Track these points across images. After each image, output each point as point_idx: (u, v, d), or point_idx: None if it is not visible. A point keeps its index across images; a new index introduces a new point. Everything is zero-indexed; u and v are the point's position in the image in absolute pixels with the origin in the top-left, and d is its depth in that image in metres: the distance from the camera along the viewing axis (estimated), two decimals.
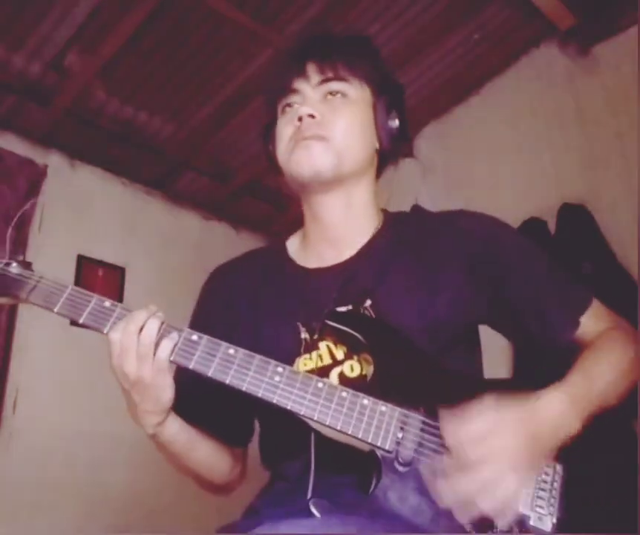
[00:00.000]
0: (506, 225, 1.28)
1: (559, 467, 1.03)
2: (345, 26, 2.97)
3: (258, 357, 1.07)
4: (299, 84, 1.25)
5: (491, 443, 0.95)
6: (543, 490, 1.01)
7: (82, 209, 3.50)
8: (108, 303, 1.11)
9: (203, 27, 2.96)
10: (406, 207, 1.34)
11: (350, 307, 1.18)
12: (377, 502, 1.02)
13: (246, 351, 1.08)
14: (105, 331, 1.09)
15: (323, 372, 1.14)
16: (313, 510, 1.03)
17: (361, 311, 1.18)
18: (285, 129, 1.25)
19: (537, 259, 1.23)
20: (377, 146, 1.27)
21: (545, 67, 3.16)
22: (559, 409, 1.02)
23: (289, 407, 1.04)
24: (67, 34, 2.92)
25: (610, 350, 1.13)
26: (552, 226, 2.93)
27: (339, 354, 1.16)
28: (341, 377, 1.15)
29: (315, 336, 1.17)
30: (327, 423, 1.04)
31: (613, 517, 1.04)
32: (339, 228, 1.26)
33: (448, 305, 1.16)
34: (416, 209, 1.32)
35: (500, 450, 0.95)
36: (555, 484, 1.02)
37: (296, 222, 1.38)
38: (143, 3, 2.74)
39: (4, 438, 3.05)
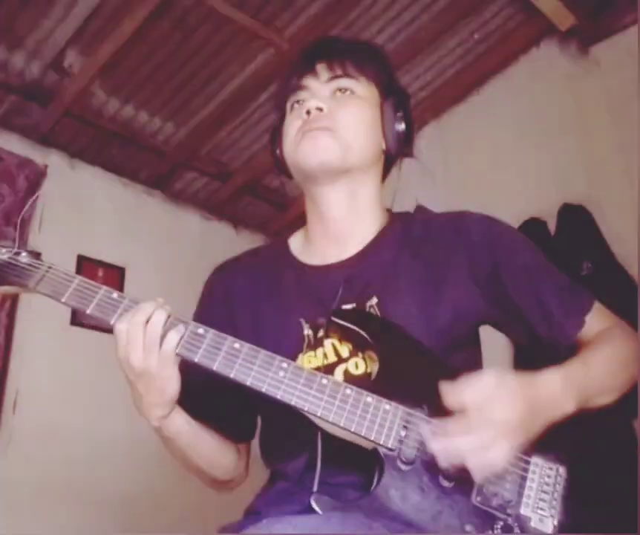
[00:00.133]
0: (509, 226, 1.28)
1: (562, 469, 1.03)
2: (345, 26, 2.97)
3: (263, 351, 1.08)
4: (308, 81, 1.27)
5: (490, 410, 0.96)
6: (545, 492, 1.02)
7: (82, 209, 3.50)
8: (115, 294, 1.11)
9: (203, 27, 2.97)
10: (406, 207, 1.34)
11: (354, 305, 1.19)
12: (379, 500, 1.02)
13: (252, 346, 1.08)
14: (111, 322, 1.09)
15: (328, 370, 1.14)
16: (315, 507, 1.03)
17: (367, 309, 1.18)
18: (293, 124, 1.26)
19: (539, 261, 1.24)
20: (383, 146, 1.28)
21: (545, 67, 3.16)
22: (556, 387, 1.04)
23: (293, 403, 1.05)
24: (67, 34, 2.93)
25: (609, 342, 1.15)
26: (552, 226, 2.93)
27: (344, 351, 1.17)
28: (346, 374, 1.15)
29: (319, 333, 1.18)
30: (331, 420, 1.04)
31: (613, 517, 1.04)
32: (343, 224, 1.26)
33: (452, 306, 1.17)
34: (421, 209, 1.33)
35: (498, 416, 0.96)
36: (558, 487, 1.02)
37: (296, 222, 1.39)
38: (143, 3, 2.74)
39: (4, 438, 3.05)
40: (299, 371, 1.07)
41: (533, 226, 2.91)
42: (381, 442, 1.03)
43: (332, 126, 1.21)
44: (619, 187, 2.74)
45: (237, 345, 1.08)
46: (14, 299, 2.96)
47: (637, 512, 1.00)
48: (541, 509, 1.01)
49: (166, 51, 3.06)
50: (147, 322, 1.06)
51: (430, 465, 1.02)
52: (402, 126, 1.28)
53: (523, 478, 1.03)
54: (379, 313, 1.17)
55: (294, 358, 1.16)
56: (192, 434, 1.19)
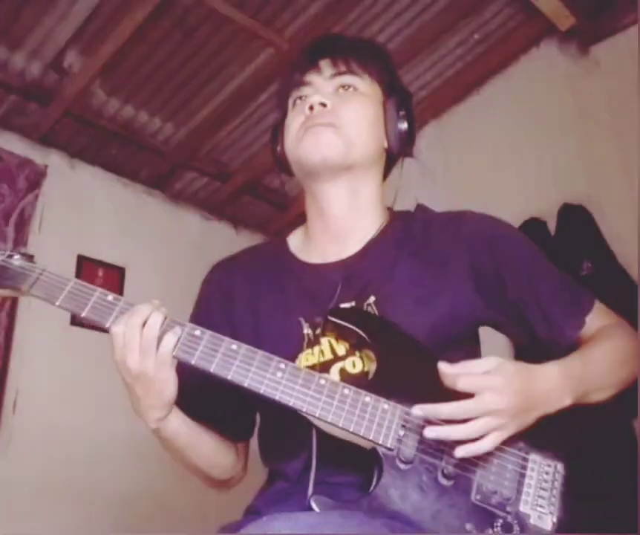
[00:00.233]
0: (510, 226, 1.28)
1: (560, 466, 1.03)
2: (345, 26, 2.98)
3: (260, 352, 1.07)
4: (312, 77, 1.27)
5: (486, 395, 0.97)
6: (544, 489, 1.02)
7: (82, 209, 3.50)
8: (110, 297, 1.11)
9: (203, 27, 2.97)
10: (406, 207, 1.34)
11: (352, 303, 1.18)
12: (378, 500, 1.02)
13: (249, 347, 1.08)
14: (107, 325, 1.08)
15: (324, 367, 1.14)
16: (314, 506, 1.02)
17: (365, 308, 1.17)
18: (295, 119, 1.26)
19: (540, 261, 1.24)
20: (385, 144, 1.28)
21: (545, 67, 3.16)
22: (553, 380, 1.04)
23: (291, 404, 1.04)
24: (67, 34, 2.93)
25: (609, 339, 1.15)
26: (552, 226, 2.93)
27: (341, 349, 1.16)
28: (343, 373, 1.15)
29: (317, 332, 1.17)
30: (329, 421, 1.04)
31: (613, 517, 1.04)
32: (344, 222, 1.26)
33: (451, 305, 1.17)
34: (421, 208, 1.32)
35: (492, 405, 0.97)
36: (556, 484, 1.02)
37: (296, 222, 1.38)
38: (143, 3, 2.74)
39: (4, 438, 3.05)
40: (297, 371, 1.06)
41: (533, 226, 2.91)
42: (380, 441, 1.03)
43: (336, 122, 1.21)
44: (619, 187, 2.73)
45: (234, 347, 1.07)
46: (14, 299, 2.96)
47: (636, 511, 1.00)
48: (540, 506, 1.01)
49: (166, 51, 3.06)
50: (143, 324, 1.06)
51: (429, 464, 1.02)
52: (404, 125, 1.27)
53: (522, 476, 1.03)
54: (376, 312, 1.17)
55: (294, 357, 1.16)
56: (190, 435, 1.19)
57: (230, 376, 1.06)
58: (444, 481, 1.02)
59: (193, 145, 3.62)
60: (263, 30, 2.99)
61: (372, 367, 1.12)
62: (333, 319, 1.14)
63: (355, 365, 1.15)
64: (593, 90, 2.96)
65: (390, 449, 1.03)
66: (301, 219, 1.36)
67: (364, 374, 1.13)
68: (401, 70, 3.07)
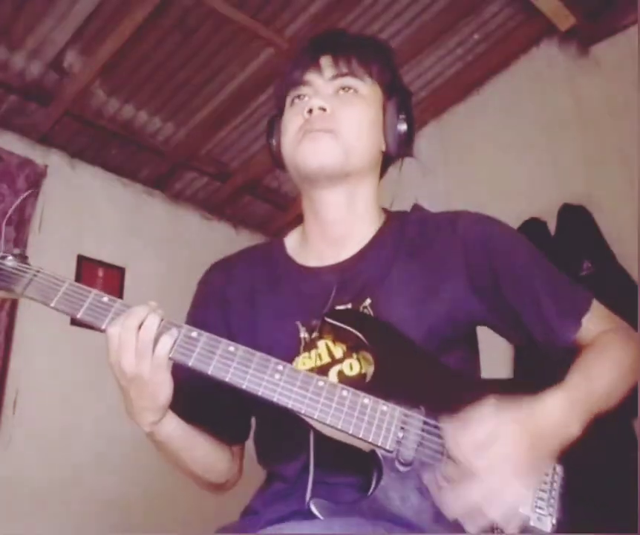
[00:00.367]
0: (507, 226, 1.26)
1: (559, 468, 1.03)
2: (345, 26, 2.97)
3: (258, 354, 1.06)
4: (312, 76, 1.24)
5: (494, 450, 0.94)
6: (542, 490, 1.01)
7: (82, 209, 3.50)
8: (106, 298, 1.09)
9: (203, 27, 2.97)
10: (406, 207, 1.33)
11: (349, 306, 1.17)
12: (378, 502, 1.01)
13: (247, 349, 1.06)
14: (103, 327, 1.07)
15: (322, 371, 1.13)
16: (314, 510, 1.02)
17: (361, 310, 1.16)
18: (293, 120, 1.23)
19: (537, 261, 1.22)
20: (383, 147, 1.26)
21: (545, 67, 3.16)
22: (559, 412, 1.01)
23: (289, 406, 1.03)
24: (67, 34, 2.93)
25: (610, 351, 1.12)
26: (552, 226, 2.93)
27: (338, 352, 1.15)
28: (340, 375, 1.14)
29: (314, 335, 1.16)
30: (328, 423, 1.03)
31: (613, 517, 1.04)
32: (340, 226, 1.24)
33: (447, 307, 1.15)
34: (417, 208, 1.31)
35: (503, 457, 0.94)
36: (555, 485, 1.02)
37: (296, 222, 1.37)
38: (143, 3, 2.74)
39: (4, 438, 3.05)
40: (295, 373, 1.05)
41: (533, 226, 2.91)
42: (379, 443, 1.02)
43: (335, 128, 1.19)
44: (619, 187, 2.73)
45: (231, 348, 1.06)
46: (14, 299, 2.96)
47: (636, 512, 1.00)
48: (539, 508, 1.00)
49: (166, 51, 3.06)
50: (140, 326, 1.04)
51: (428, 466, 1.02)
52: (403, 127, 1.25)
53: None
54: (373, 314, 1.16)
55: (291, 361, 1.15)
56: (185, 438, 1.17)
57: (228, 378, 1.04)
58: (444, 484, 1.01)
59: (193, 145, 3.61)
60: (263, 30, 2.99)
61: (369, 369, 1.11)
62: (330, 321, 1.13)
63: (352, 367, 1.14)
64: (593, 90, 2.96)
65: (389, 451, 1.02)
66: (300, 219, 1.35)
67: (361, 376, 1.12)
68: (401, 70, 3.07)
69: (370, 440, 1.02)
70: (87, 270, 3.41)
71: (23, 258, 1.15)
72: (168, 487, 2.88)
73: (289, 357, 1.14)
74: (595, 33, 3.03)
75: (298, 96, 1.25)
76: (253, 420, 1.31)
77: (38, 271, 1.13)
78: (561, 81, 3.09)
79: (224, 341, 1.07)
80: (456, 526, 0.99)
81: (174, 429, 1.15)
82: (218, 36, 3.01)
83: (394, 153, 1.27)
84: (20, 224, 3.20)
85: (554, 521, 1.00)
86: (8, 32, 2.90)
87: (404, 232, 1.25)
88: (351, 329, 1.12)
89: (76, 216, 3.46)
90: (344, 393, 1.04)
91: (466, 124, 3.41)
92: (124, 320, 1.05)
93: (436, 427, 1.03)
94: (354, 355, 1.15)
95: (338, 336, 1.15)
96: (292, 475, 1.14)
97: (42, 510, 3.00)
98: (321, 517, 1.01)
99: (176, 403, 1.11)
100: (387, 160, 1.31)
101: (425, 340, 1.12)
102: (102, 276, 3.47)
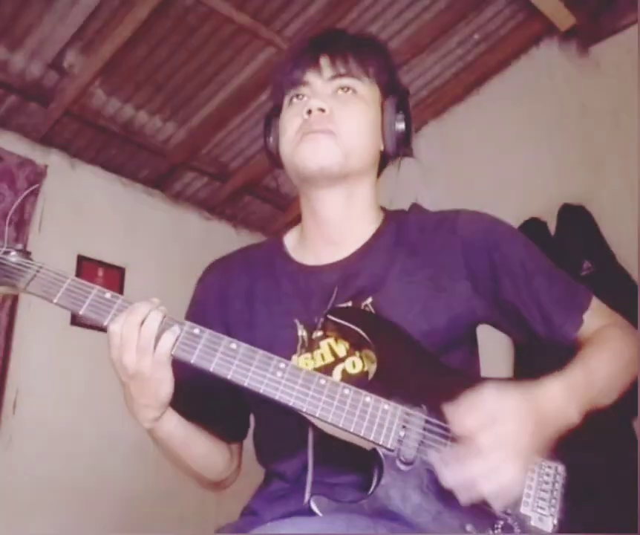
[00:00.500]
0: (506, 224, 1.27)
1: (560, 468, 1.03)
2: (345, 26, 2.97)
3: (260, 352, 1.06)
4: (310, 76, 1.24)
5: (497, 429, 0.94)
6: (544, 490, 1.01)
7: (82, 209, 3.50)
8: (108, 295, 1.09)
9: (203, 27, 2.97)
10: (405, 207, 1.33)
11: (349, 305, 1.17)
12: (379, 501, 1.01)
13: (248, 346, 1.06)
14: (105, 323, 1.06)
15: (326, 371, 1.13)
16: (314, 507, 1.01)
17: (362, 308, 1.17)
18: (292, 121, 1.23)
19: (536, 258, 1.22)
20: (382, 147, 1.26)
21: (545, 67, 3.16)
22: (558, 399, 1.01)
23: (291, 404, 1.03)
24: (67, 34, 2.93)
25: (610, 343, 1.13)
26: (552, 226, 2.93)
27: (341, 350, 1.15)
28: (343, 373, 1.14)
29: (314, 334, 1.16)
30: (329, 421, 1.03)
31: (613, 517, 1.04)
32: (339, 226, 1.25)
33: (447, 305, 1.16)
34: (415, 207, 1.31)
35: (504, 437, 0.94)
36: (557, 485, 1.02)
37: (296, 222, 1.37)
38: (143, 3, 2.74)
39: (4, 438, 3.05)
40: (297, 371, 1.05)
41: (533, 226, 2.91)
42: (381, 442, 1.02)
43: (334, 129, 1.19)
44: (619, 187, 2.73)
45: (233, 346, 1.06)
46: (14, 298, 2.96)
47: (637, 512, 1.00)
48: (541, 508, 1.00)
49: (166, 51, 3.06)
50: (142, 323, 1.04)
51: (430, 465, 1.02)
52: (401, 127, 1.25)
53: None
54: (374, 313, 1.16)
55: (288, 359, 1.14)
56: (184, 435, 1.17)
57: (230, 375, 1.05)
58: None
59: (193, 145, 3.62)
60: (263, 30, 2.99)
61: (372, 367, 1.11)
62: (333, 318, 1.13)
63: (355, 365, 1.14)
64: (593, 90, 2.96)
65: (390, 450, 1.02)
66: (300, 219, 1.35)
67: (364, 374, 1.12)
68: (401, 70, 3.08)
69: (371, 438, 1.02)
70: (87, 269, 3.41)
71: (26, 253, 1.15)
72: (168, 486, 2.88)
73: (286, 354, 1.14)
74: (595, 33, 3.03)
75: (297, 96, 1.25)
76: (252, 419, 1.31)
77: (41, 267, 1.13)
78: (561, 81, 3.09)
79: (226, 338, 1.07)
80: (456, 526, 0.99)
81: (175, 426, 1.15)
82: (218, 36, 3.01)
83: (392, 152, 1.27)
84: (20, 223, 3.20)
85: (555, 522, 1.00)
86: (8, 32, 2.90)
87: (403, 232, 1.25)
88: (354, 327, 1.12)
89: (76, 216, 3.46)
90: (346, 391, 1.04)
91: (466, 124, 3.41)
92: (126, 316, 1.05)
93: (437, 426, 1.03)
94: (357, 353, 1.15)
95: (341, 333, 1.15)
96: (291, 474, 1.14)
97: (42, 510, 3.00)
98: (322, 515, 1.01)
99: (176, 400, 1.12)
100: (385, 160, 1.31)
101: (426, 339, 1.12)
102: (102, 275, 3.48)
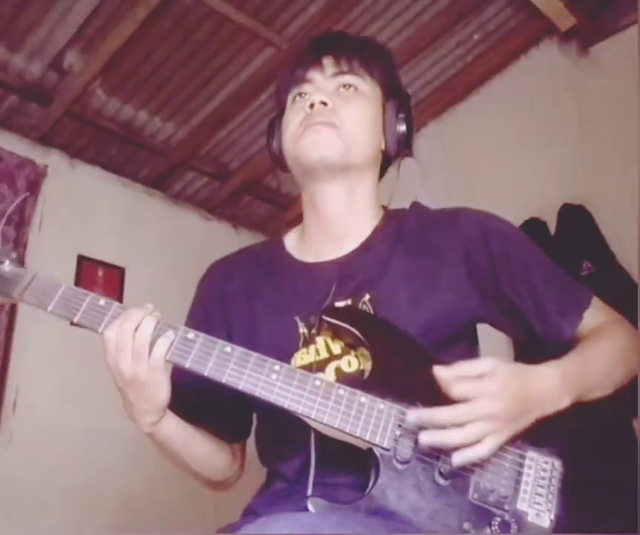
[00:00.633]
0: (506, 222, 1.27)
1: (557, 463, 1.03)
2: (345, 26, 2.98)
3: (254, 355, 1.07)
4: (314, 74, 1.26)
5: (478, 384, 0.97)
6: (541, 486, 1.01)
7: (82, 209, 3.50)
8: (102, 301, 1.10)
9: (203, 27, 2.97)
10: (406, 207, 1.33)
11: (348, 301, 1.18)
12: (376, 500, 1.01)
13: (243, 350, 1.07)
14: (99, 331, 1.08)
15: (320, 367, 1.14)
16: (311, 509, 1.01)
17: (360, 306, 1.17)
18: (295, 116, 1.25)
19: (536, 256, 1.23)
20: (383, 146, 1.28)
21: (545, 67, 3.16)
22: (551, 382, 1.03)
23: (286, 406, 1.04)
24: (67, 34, 2.93)
25: (608, 336, 1.14)
26: (552, 226, 2.93)
27: (336, 348, 1.16)
28: (338, 372, 1.14)
29: (313, 331, 1.17)
30: (325, 421, 1.03)
31: (613, 517, 1.04)
32: (339, 222, 1.26)
33: (446, 303, 1.16)
34: (416, 205, 1.32)
35: (487, 410, 0.96)
36: (554, 481, 1.02)
37: (296, 222, 1.38)
38: (143, 3, 2.74)
39: (4, 438, 3.05)
40: (292, 373, 1.06)
41: (533, 226, 2.91)
42: (377, 442, 1.03)
43: (336, 122, 1.20)
44: (619, 187, 2.73)
45: (228, 349, 1.07)
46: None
47: (636, 512, 1.00)
48: (538, 503, 1.01)
49: (166, 51, 3.06)
50: (136, 329, 1.05)
51: (426, 464, 1.02)
52: (402, 128, 1.27)
53: (519, 473, 1.02)
54: (371, 310, 1.16)
55: (290, 356, 1.16)
56: (185, 438, 1.18)
57: (225, 379, 1.05)
58: (441, 481, 1.01)
59: (193, 145, 3.62)
60: (263, 30, 2.99)
61: (367, 366, 1.11)
62: (328, 319, 1.14)
63: (350, 364, 1.15)
64: (593, 90, 2.96)
65: (386, 450, 1.03)
66: (300, 219, 1.35)
67: (359, 372, 1.13)
68: (401, 70, 3.07)
69: (367, 438, 1.03)
70: (87, 269, 3.41)
71: (20, 262, 1.16)
72: (168, 487, 2.88)
73: (288, 352, 1.16)
74: (595, 33, 3.03)
75: (300, 94, 1.27)
76: (254, 418, 1.31)
77: (35, 276, 1.14)
78: (561, 81, 3.09)
79: (220, 342, 1.08)
80: (453, 525, 0.99)
81: (175, 429, 1.16)
82: (218, 36, 3.02)
83: (393, 152, 1.29)
84: (20, 224, 3.20)
85: (552, 518, 1.00)
86: (8, 32, 2.91)
87: (402, 229, 1.26)
88: (349, 327, 1.13)
89: (76, 216, 3.46)
90: (341, 392, 1.04)
91: (466, 124, 3.41)
92: (120, 323, 1.06)
93: None
94: (352, 352, 1.15)
95: (337, 333, 1.15)
96: (292, 474, 1.15)
97: (42, 510, 3.00)
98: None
99: (176, 403, 1.12)
100: (387, 160, 1.33)
101: (425, 336, 1.13)
102: (101, 275, 3.47)
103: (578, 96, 3.01)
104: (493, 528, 0.99)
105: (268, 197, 4.01)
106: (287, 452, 1.16)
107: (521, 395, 0.99)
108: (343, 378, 1.10)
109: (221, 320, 1.25)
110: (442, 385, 0.98)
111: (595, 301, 1.20)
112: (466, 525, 1.00)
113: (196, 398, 1.20)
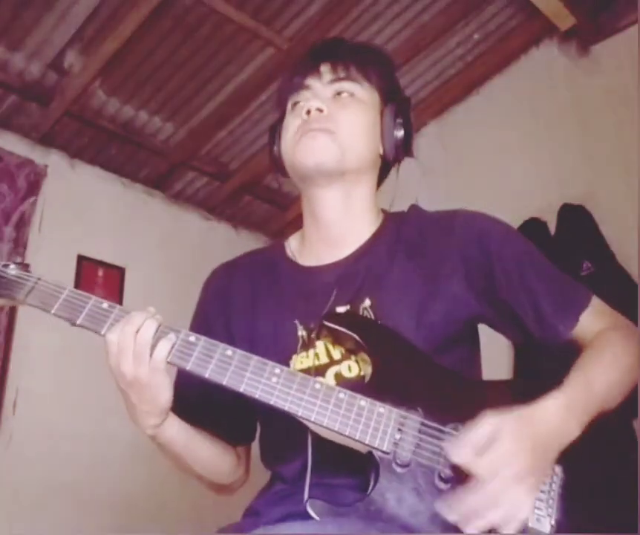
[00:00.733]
0: (503, 223, 1.27)
1: (557, 468, 1.03)
2: (345, 26, 2.98)
3: (255, 358, 1.07)
4: (311, 81, 1.27)
5: (495, 451, 0.94)
6: (542, 491, 1.01)
7: (82, 209, 3.50)
8: (105, 304, 1.11)
9: (203, 27, 2.97)
10: (406, 208, 1.34)
11: (348, 307, 1.18)
12: (375, 504, 1.01)
13: (244, 353, 1.08)
14: (102, 333, 1.09)
15: (319, 371, 1.14)
16: (310, 511, 1.02)
17: (360, 311, 1.17)
18: (293, 123, 1.26)
19: (533, 257, 1.23)
20: (381, 151, 1.28)
21: (545, 67, 3.16)
22: (558, 416, 1.01)
23: (286, 408, 1.04)
24: (67, 34, 2.93)
25: (610, 350, 1.12)
26: (552, 226, 2.93)
27: (336, 353, 1.16)
28: (338, 377, 1.15)
29: (312, 335, 1.17)
30: (325, 424, 1.03)
31: (613, 517, 1.04)
32: (337, 227, 1.26)
33: (446, 305, 1.16)
34: (414, 208, 1.32)
35: (504, 458, 0.94)
36: (554, 485, 1.02)
37: (296, 222, 1.39)
38: (143, 3, 2.74)
39: (4, 438, 3.05)
40: (292, 376, 1.06)
41: (533, 226, 2.91)
42: (376, 445, 1.03)
43: (332, 128, 1.21)
44: (619, 187, 2.73)
45: (229, 352, 1.08)
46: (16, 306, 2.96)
47: (637, 512, 1.00)
48: (538, 509, 1.00)
49: (166, 51, 3.06)
50: (137, 331, 1.06)
51: (426, 468, 1.02)
52: (400, 133, 1.27)
53: None
54: (372, 315, 1.17)
55: (288, 359, 1.17)
56: (188, 440, 1.19)
57: (225, 381, 1.06)
58: (441, 485, 1.01)
59: (193, 145, 3.61)
60: (263, 30, 2.99)
61: (368, 371, 1.11)
62: (329, 324, 1.14)
63: (351, 369, 1.15)
64: (593, 90, 2.96)
65: (386, 453, 1.03)
66: (300, 220, 1.36)
67: (360, 378, 1.13)
68: (401, 70, 3.08)
69: (366, 442, 1.03)
70: (87, 270, 3.41)
71: (25, 266, 1.19)
72: (168, 487, 2.89)
73: (286, 355, 1.16)
74: (595, 33, 3.03)
75: (298, 101, 1.28)
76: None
77: (39, 279, 1.16)
78: (561, 81, 3.09)
79: (222, 345, 1.08)
80: (452, 527, 0.99)
81: (177, 431, 1.16)
82: (218, 36, 3.02)
83: (391, 158, 1.29)
84: (20, 224, 3.20)
85: (552, 523, 1.00)
86: (8, 32, 2.90)
87: (401, 233, 1.26)
88: (350, 332, 1.13)
89: (76, 216, 3.46)
90: (341, 395, 1.05)
91: (466, 124, 3.41)
92: (122, 326, 1.07)
93: (433, 429, 1.03)
94: (352, 357, 1.15)
95: (337, 339, 1.16)
96: (291, 476, 1.15)
97: (42, 510, 3.00)
98: (317, 518, 1.01)
99: (179, 405, 1.13)
100: (386, 165, 1.33)
101: (425, 340, 1.13)
102: (102, 275, 3.47)
103: (578, 96, 3.01)
104: (493, 533, 0.99)
105: (268, 197, 4.01)
106: (287, 454, 1.16)
107: (534, 439, 0.97)
108: (343, 383, 1.10)
109: (224, 326, 1.26)
110: (464, 468, 0.95)
111: (595, 301, 1.19)
112: None
113: (200, 402, 1.21)
